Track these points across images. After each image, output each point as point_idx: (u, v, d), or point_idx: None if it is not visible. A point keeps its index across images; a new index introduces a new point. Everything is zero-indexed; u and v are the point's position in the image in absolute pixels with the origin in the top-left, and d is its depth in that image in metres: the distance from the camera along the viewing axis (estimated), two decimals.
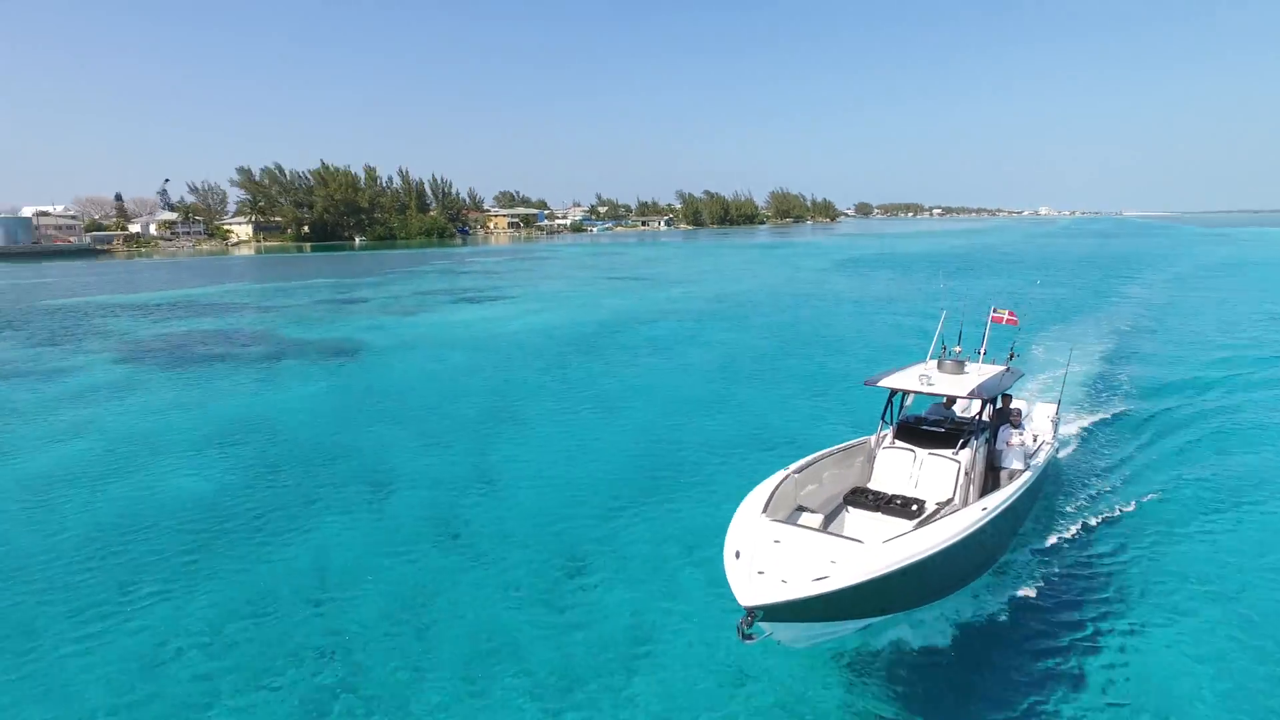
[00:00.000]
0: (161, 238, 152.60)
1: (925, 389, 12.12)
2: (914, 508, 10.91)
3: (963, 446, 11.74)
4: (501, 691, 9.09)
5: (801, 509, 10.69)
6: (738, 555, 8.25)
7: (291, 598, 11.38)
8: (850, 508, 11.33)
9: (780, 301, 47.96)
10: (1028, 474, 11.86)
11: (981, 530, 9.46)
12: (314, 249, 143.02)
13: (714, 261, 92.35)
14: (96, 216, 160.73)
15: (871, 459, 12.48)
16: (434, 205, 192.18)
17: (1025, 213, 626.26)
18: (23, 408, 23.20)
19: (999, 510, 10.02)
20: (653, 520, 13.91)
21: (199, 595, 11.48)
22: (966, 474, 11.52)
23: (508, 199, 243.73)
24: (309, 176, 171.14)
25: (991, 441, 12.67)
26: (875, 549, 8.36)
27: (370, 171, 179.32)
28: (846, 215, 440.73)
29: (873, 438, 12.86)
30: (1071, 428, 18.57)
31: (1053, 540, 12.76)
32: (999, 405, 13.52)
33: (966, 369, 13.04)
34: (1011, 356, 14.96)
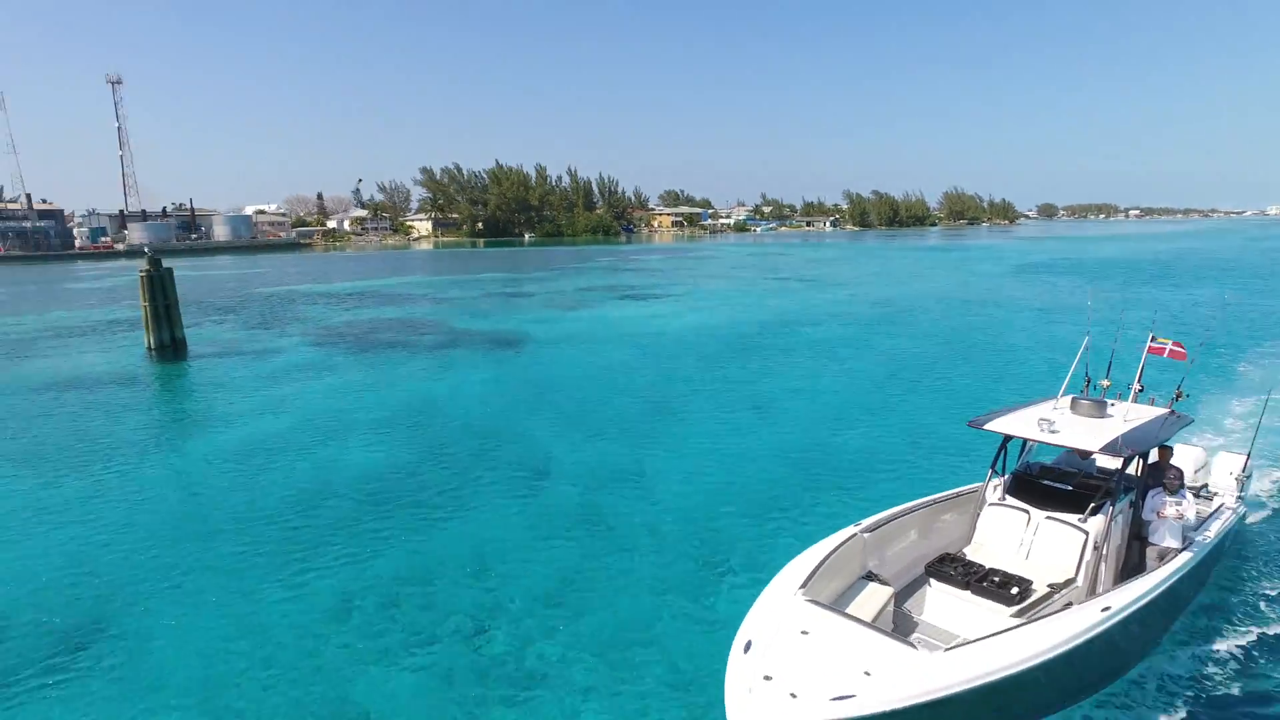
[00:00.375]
0: (354, 233, 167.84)
1: (1047, 437, 9.36)
2: (1014, 590, 8.39)
3: (1095, 511, 9.10)
4: (641, 685, 9.12)
5: (871, 577, 8.61)
6: (747, 648, 6.36)
7: (455, 571, 12.04)
8: (932, 580, 8.92)
9: (950, 308, 45.23)
10: (1187, 555, 8.88)
11: (1099, 638, 7.02)
12: (486, 244, 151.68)
13: (880, 264, 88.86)
14: (301, 214, 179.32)
15: (976, 517, 10.06)
16: (600, 203, 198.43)
17: (1248, 213, 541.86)
18: (239, 384, 26.23)
19: (1130, 610, 7.43)
20: (803, 530, 13.46)
21: (376, 561, 12.40)
22: (1096, 548, 8.86)
23: (672, 198, 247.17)
24: (484, 175, 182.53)
25: (1139, 505, 9.70)
26: (928, 661, 6.16)
27: (541, 170, 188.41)
28: (1027, 217, 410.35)
29: (983, 487, 10.29)
30: (1269, 486, 14.73)
31: (1228, 646, 9.57)
32: (1153, 459, 10.46)
33: (1109, 411, 10.19)
34: (1179, 396, 11.44)
